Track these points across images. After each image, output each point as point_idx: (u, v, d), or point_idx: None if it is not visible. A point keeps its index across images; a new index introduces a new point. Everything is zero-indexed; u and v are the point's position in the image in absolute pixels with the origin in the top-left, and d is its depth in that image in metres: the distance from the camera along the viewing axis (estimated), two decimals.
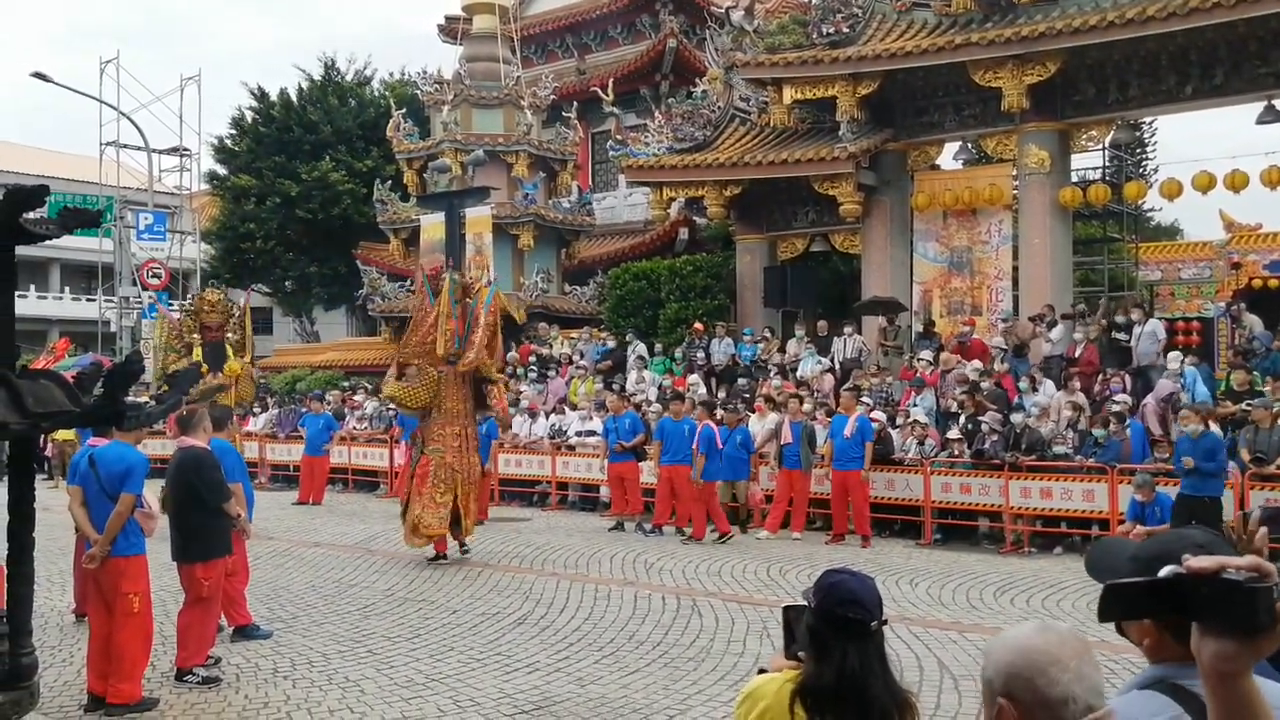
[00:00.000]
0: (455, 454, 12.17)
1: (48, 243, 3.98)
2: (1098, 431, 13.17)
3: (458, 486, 12.09)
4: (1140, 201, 21.81)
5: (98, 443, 8.43)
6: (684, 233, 26.16)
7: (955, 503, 13.63)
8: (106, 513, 6.98)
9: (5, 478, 3.92)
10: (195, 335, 14.69)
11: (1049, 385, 14.99)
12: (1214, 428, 11.88)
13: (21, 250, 3.84)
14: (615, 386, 18.42)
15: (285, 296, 37.62)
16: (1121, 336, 16.19)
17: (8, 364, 3.53)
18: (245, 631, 8.74)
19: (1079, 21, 16.54)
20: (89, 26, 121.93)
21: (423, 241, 23.91)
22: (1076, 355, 15.95)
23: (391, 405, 16.25)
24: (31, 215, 3.54)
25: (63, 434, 18.48)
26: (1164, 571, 1.54)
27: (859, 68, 18.72)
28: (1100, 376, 15.16)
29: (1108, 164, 20.55)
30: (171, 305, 31.77)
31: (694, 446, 13.65)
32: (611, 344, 21.58)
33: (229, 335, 14.82)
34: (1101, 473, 12.57)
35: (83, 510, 7.22)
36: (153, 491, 7.57)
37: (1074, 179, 19.33)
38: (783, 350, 19.39)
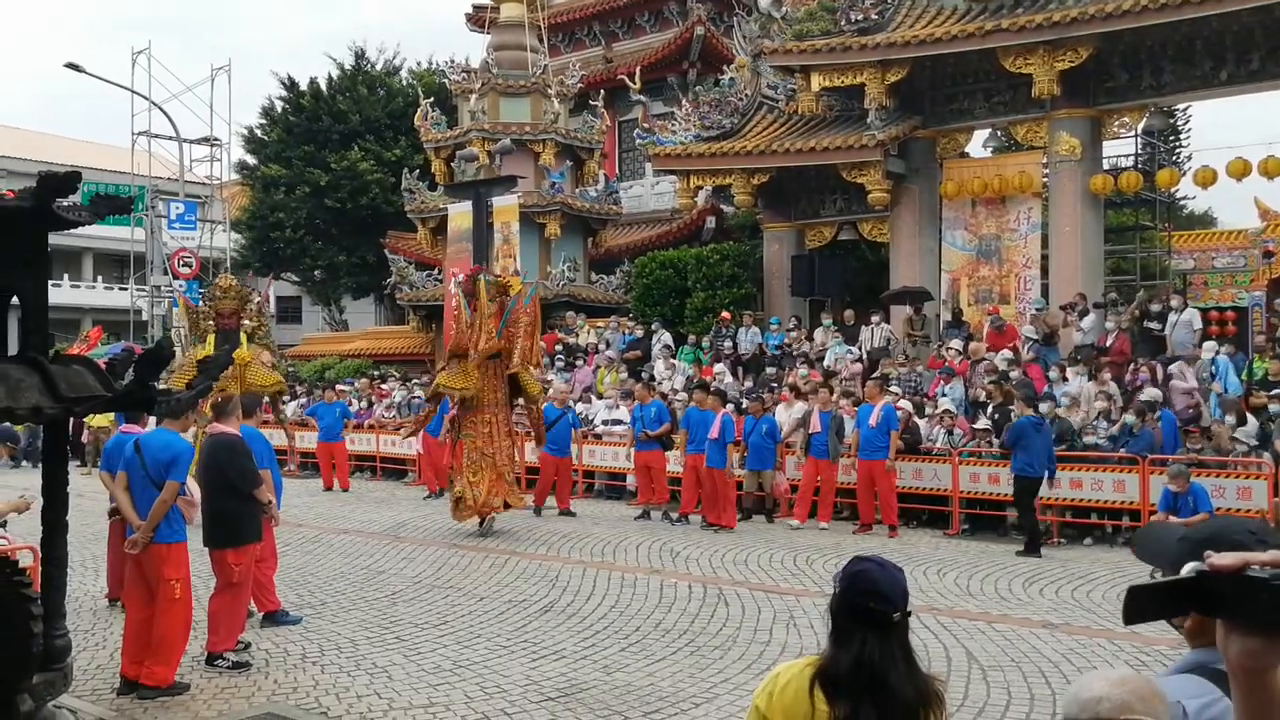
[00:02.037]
0: (485, 439, 13.14)
1: (81, 232, 4.03)
2: (1129, 420, 13.04)
3: (489, 468, 13.07)
4: (1173, 189, 21.58)
5: (130, 429, 8.54)
6: (711, 221, 26.10)
7: (984, 493, 13.54)
8: (150, 499, 7.04)
9: (40, 464, 3.97)
10: (209, 322, 14.40)
11: (1079, 375, 14.85)
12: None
13: (55, 240, 3.88)
14: (644, 375, 18.43)
15: (314, 285, 37.86)
16: (1154, 325, 16.03)
17: (41, 350, 3.57)
18: (275, 617, 8.82)
19: (1112, 6, 16.35)
20: (121, 17, 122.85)
21: (450, 230, 23.97)
22: (1108, 344, 15.81)
23: (421, 396, 17.66)
24: (64, 201, 3.58)
25: (98, 420, 18.69)
26: (1186, 569, 1.52)
27: (888, 54, 18.59)
28: (1131, 366, 15.02)
29: (1140, 151, 20.36)
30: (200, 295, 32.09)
31: (712, 435, 13.69)
32: (638, 333, 21.57)
33: (244, 322, 14.51)
34: (1133, 463, 12.46)
35: (126, 495, 7.27)
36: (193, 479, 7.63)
37: (1105, 166, 19.17)
38: (810, 339, 19.34)
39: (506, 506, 13.36)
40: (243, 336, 14.29)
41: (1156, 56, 17.40)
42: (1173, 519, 11.35)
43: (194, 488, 7.33)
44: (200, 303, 15.47)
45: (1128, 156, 20.17)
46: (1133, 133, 19.23)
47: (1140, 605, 1.54)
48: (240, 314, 14.47)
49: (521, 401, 14.02)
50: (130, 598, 7.41)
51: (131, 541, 7.11)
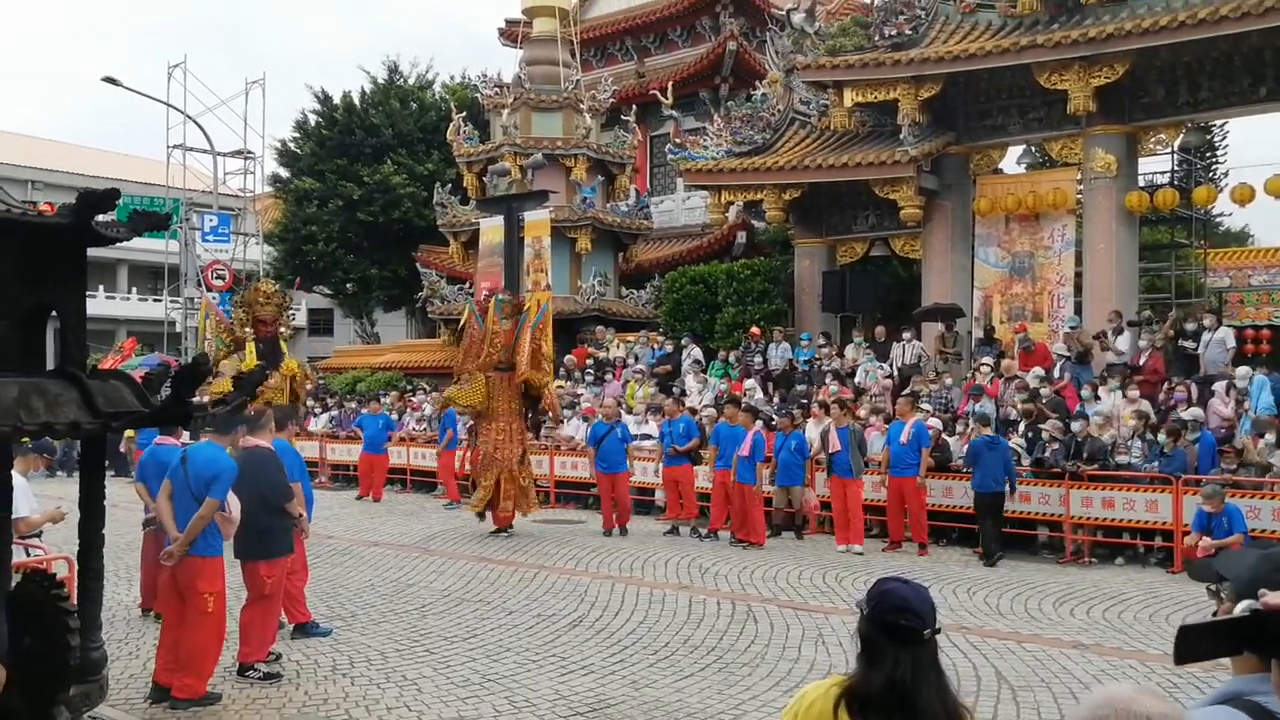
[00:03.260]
0: (496, 445, 14.22)
1: (116, 244, 4.07)
2: (1162, 439, 12.91)
3: (500, 473, 14.14)
4: (1209, 206, 21.34)
5: (165, 441, 8.63)
6: (742, 236, 26.09)
7: (1014, 511, 13.42)
8: (190, 512, 7.10)
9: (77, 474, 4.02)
10: (248, 330, 13.33)
11: (1113, 393, 14.72)
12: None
13: (91, 252, 3.93)
14: (674, 391, 18.41)
15: (346, 298, 38.13)
16: (1189, 344, 15.86)
17: (79, 364, 3.62)
18: (305, 629, 8.87)
19: (1149, 22, 16.24)
20: (156, 31, 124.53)
21: (482, 245, 24.09)
22: (1141, 363, 15.66)
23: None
24: (102, 218, 3.63)
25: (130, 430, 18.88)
26: (1240, 608, 1.49)
27: (921, 70, 18.54)
28: (1165, 385, 14.86)
29: (1176, 168, 20.16)
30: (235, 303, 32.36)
31: (742, 452, 13.65)
32: (668, 348, 21.58)
33: (282, 330, 13.66)
34: (1166, 483, 12.32)
35: (169, 505, 7.33)
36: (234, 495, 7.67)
37: (1141, 183, 18.99)
38: (841, 355, 19.27)
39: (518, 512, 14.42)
40: (283, 345, 13.52)
41: (1194, 72, 17.25)
42: (1206, 540, 11.24)
43: (234, 506, 7.37)
44: (232, 311, 14.98)
45: (1164, 173, 19.99)
46: (1169, 149, 19.06)
47: (1192, 644, 1.50)
48: (279, 321, 13.64)
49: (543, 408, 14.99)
50: (165, 608, 7.48)
51: (167, 553, 7.17)
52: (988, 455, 12.85)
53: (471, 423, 15.11)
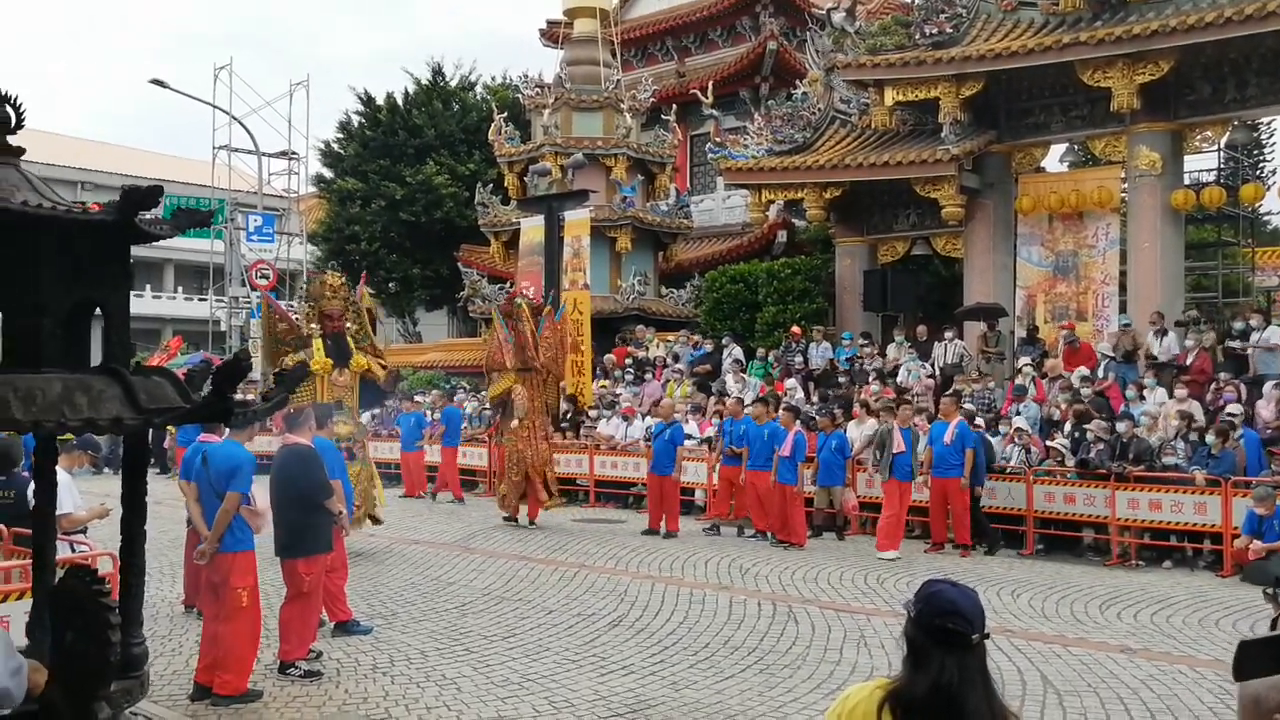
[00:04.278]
0: (525, 443, 14.72)
1: (163, 244, 4.11)
2: (1210, 440, 12.68)
3: (527, 468, 14.70)
4: (1257, 204, 20.98)
5: (208, 438, 8.71)
6: (782, 235, 25.97)
7: (1059, 513, 13.26)
8: (215, 509, 7.18)
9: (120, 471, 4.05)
10: (314, 325, 12.58)
11: (1159, 393, 14.50)
12: None
13: (139, 251, 3.97)
14: (714, 390, 18.34)
15: (389, 297, 38.38)
16: (1236, 344, 15.59)
17: (123, 361, 3.64)
18: (346, 627, 8.91)
19: (1194, 18, 15.98)
20: (203, 34, 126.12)
21: (522, 244, 24.16)
22: (1188, 363, 15.41)
23: (487, 406, 18.33)
24: (147, 215, 3.65)
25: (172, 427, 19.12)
26: None
27: (963, 68, 18.37)
28: (1213, 385, 14.61)
29: (1223, 165, 19.84)
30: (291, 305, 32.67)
31: (784, 452, 13.55)
32: (708, 347, 21.51)
33: (348, 325, 12.85)
34: (1215, 485, 12.10)
35: (197, 506, 7.43)
36: (263, 488, 7.73)
37: (1187, 181, 18.71)
38: (882, 355, 19.13)
39: (541, 505, 14.91)
40: (350, 342, 12.73)
41: (1241, 69, 16.95)
42: (1257, 543, 11.04)
43: (260, 499, 7.42)
44: (297, 306, 14.03)
45: (1210, 171, 19.69)
46: (1215, 147, 18.76)
47: (1250, 659, 1.42)
48: (346, 315, 12.82)
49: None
50: (204, 605, 7.55)
51: (200, 552, 7.25)
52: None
53: (498, 421, 15.78)
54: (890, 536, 12.97)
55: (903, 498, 13.21)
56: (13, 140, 3.58)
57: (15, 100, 3.58)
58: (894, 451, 13.26)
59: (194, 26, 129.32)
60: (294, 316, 13.48)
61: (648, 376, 21.09)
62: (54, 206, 3.39)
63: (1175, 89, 17.50)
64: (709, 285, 24.11)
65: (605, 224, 25.18)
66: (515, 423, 14.81)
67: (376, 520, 13.01)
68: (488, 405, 16.30)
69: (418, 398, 22.59)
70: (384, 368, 13.35)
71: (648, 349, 22.86)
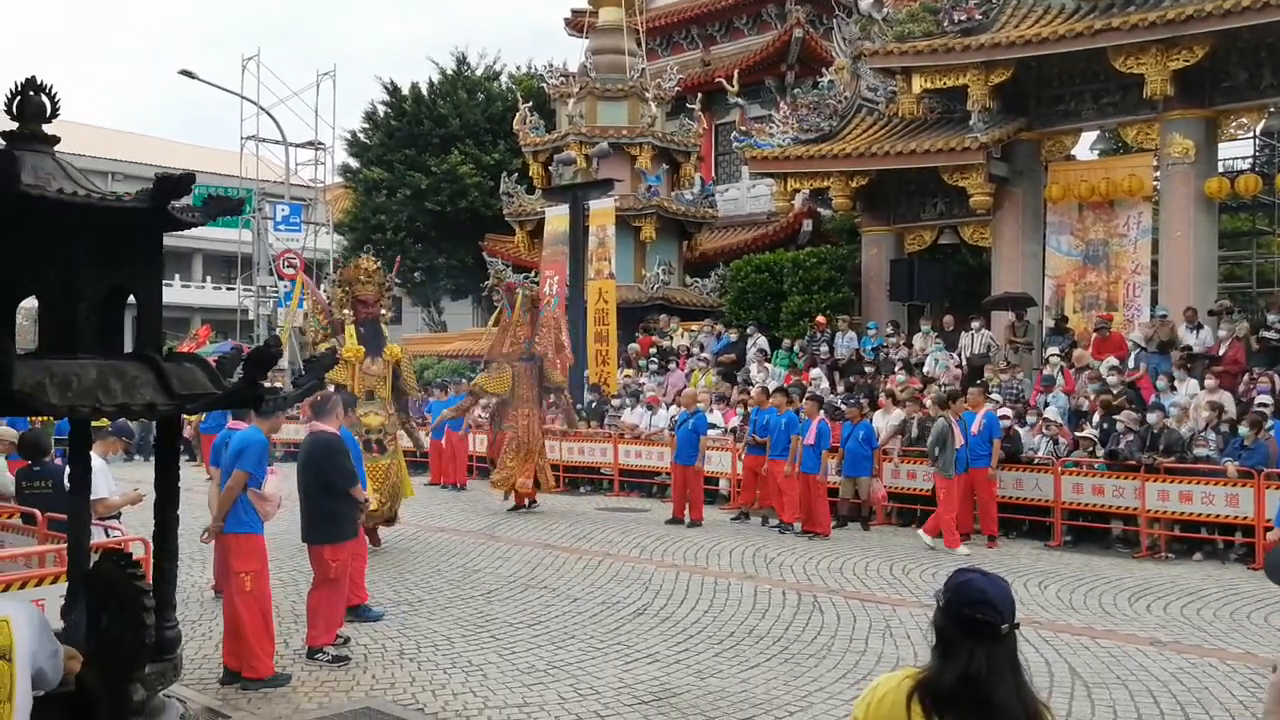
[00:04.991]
0: (524, 430, 15.14)
1: (192, 234, 4.15)
2: (1243, 431, 12.54)
3: (526, 454, 15.11)
4: None
5: (236, 425, 8.78)
6: (807, 224, 25.86)
7: (1087, 504, 13.15)
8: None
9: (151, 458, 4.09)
10: (347, 311, 12.14)
11: (1190, 384, 14.35)
12: None
13: (168, 241, 3.99)
14: (739, 379, 18.31)
15: (414, 286, 38.50)
16: (1270, 335, 15.41)
17: (155, 347, 3.67)
18: (358, 611, 8.85)
19: (1230, 3, 15.75)
20: (231, 25, 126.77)
21: (547, 233, 24.17)
22: (1221, 353, 15.25)
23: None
24: (178, 203, 3.68)
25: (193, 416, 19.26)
26: None
27: (992, 55, 18.20)
28: (1246, 376, 14.45)
29: (1258, 152, 19.58)
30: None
31: (808, 441, 13.51)
32: (732, 336, 21.47)
33: (384, 312, 12.49)
34: (1248, 476, 11.97)
35: (216, 490, 7.53)
36: (280, 477, 7.75)
37: (1221, 169, 18.48)
38: (909, 345, 19.03)
39: (537, 486, 15.41)
40: (384, 329, 12.40)
41: (1278, 54, 16.71)
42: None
43: (269, 484, 7.44)
44: (329, 291, 13.57)
45: (1245, 158, 19.45)
46: (1251, 134, 18.51)
47: None
48: (381, 302, 12.42)
49: (553, 396, 15.94)
50: (223, 589, 7.65)
51: (205, 530, 7.34)
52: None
53: (495, 408, 16.06)
54: (949, 530, 12.76)
55: (974, 487, 13.07)
56: (47, 129, 3.61)
57: (50, 89, 3.61)
58: (956, 445, 12.84)
59: (227, 18, 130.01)
60: (326, 300, 13.08)
61: (672, 366, 21.09)
62: (89, 194, 3.42)
63: (1210, 75, 17.26)
64: (734, 275, 24.05)
65: (630, 213, 25.16)
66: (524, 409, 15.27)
67: (390, 521, 12.41)
68: (476, 391, 16.30)
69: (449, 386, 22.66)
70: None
71: (672, 338, 22.83)
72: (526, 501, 15.54)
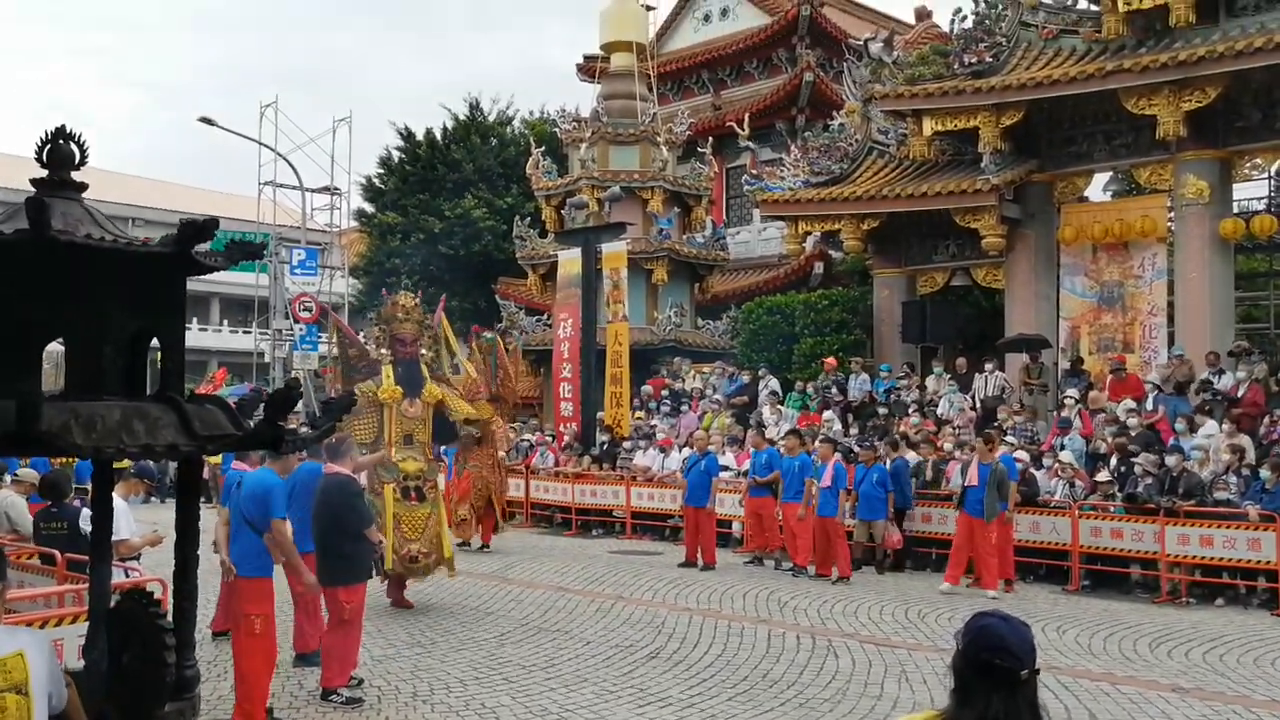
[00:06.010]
0: (490, 470, 15.81)
1: (209, 278, 4.19)
2: (1264, 475, 12.45)
3: (490, 493, 15.77)
4: None
5: (240, 466, 8.80)
6: (819, 267, 25.94)
7: (1105, 548, 13.06)
8: (244, 536, 7.27)
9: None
10: (384, 350, 11.57)
11: (1209, 425, 14.25)
12: None
13: (187, 285, 4.03)
14: (752, 421, 18.28)
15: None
16: None
17: (178, 389, 3.71)
18: (307, 659, 8.66)
19: (1242, 44, 15.83)
20: (248, 72, 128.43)
21: (560, 276, 24.28)
22: (1239, 395, 15.16)
23: (528, 438, 19.27)
24: (201, 248, 3.72)
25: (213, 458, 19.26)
26: None
27: (1003, 97, 18.31)
28: (1266, 418, 14.35)
29: (1274, 193, 19.57)
30: (320, 339, 32.98)
31: (824, 484, 13.48)
32: (745, 379, 21.48)
33: (424, 352, 11.89)
34: (1270, 520, 11.87)
35: (226, 530, 7.54)
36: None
37: (1236, 209, 18.46)
38: (922, 387, 19.00)
39: (496, 529, 16.05)
40: (424, 370, 11.80)
41: None
42: None
43: (281, 530, 7.47)
44: (366, 331, 12.96)
45: (1260, 199, 19.42)
46: (1266, 174, 18.51)
47: None
48: (420, 340, 11.85)
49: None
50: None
51: (227, 569, 7.42)
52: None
53: (459, 451, 15.81)
54: (953, 568, 12.86)
55: (972, 535, 12.75)
56: (75, 176, 3.67)
57: (79, 137, 3.68)
58: (966, 484, 12.88)
59: (245, 65, 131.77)
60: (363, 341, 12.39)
61: (684, 408, 21.08)
62: (115, 240, 3.47)
63: (1223, 115, 17.29)
64: (745, 317, 24.10)
65: (642, 256, 25.28)
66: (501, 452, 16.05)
67: (426, 572, 11.53)
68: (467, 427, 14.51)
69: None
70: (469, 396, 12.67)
71: (684, 380, 22.84)
72: (482, 540, 15.99)
